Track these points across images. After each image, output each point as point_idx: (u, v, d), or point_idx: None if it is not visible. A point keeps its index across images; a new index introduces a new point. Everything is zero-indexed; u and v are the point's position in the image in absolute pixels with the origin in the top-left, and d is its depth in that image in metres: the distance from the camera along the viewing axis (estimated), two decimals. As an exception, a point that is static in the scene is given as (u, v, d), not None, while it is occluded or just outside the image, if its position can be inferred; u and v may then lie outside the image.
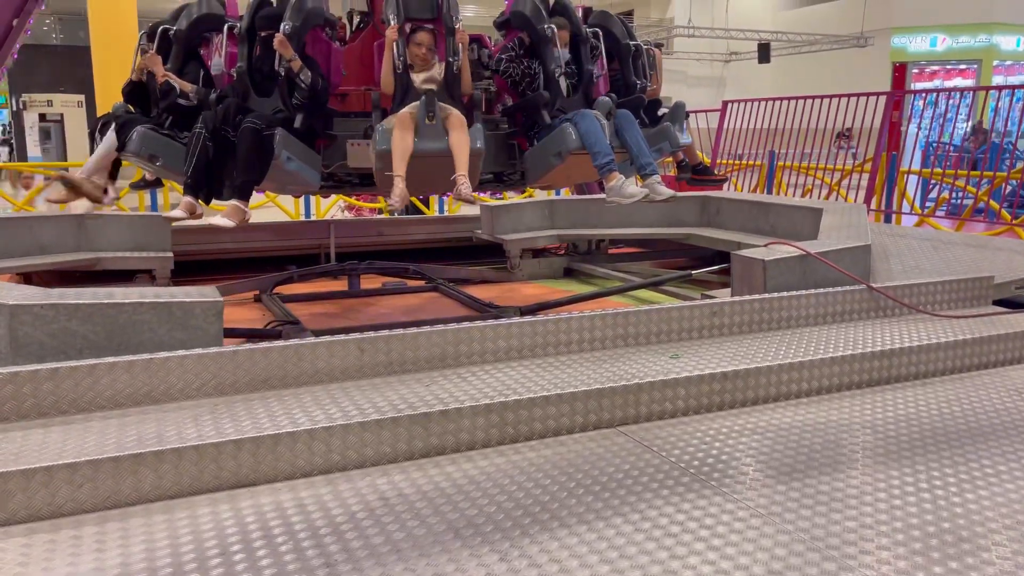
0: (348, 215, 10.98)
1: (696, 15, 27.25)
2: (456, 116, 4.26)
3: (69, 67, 28.19)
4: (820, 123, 9.91)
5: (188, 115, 4.43)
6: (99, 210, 5.70)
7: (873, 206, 9.08)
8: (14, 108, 24.35)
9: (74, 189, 4.69)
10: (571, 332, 3.17)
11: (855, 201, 9.28)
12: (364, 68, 4.96)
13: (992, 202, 8.47)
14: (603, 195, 4.68)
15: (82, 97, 24.63)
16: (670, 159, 5.58)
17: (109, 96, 24.80)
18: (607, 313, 3.24)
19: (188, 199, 4.26)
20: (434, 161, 4.20)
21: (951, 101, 9.92)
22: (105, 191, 4.93)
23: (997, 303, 4.05)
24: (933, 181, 9.67)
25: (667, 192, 4.51)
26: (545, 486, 2.25)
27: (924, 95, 11.13)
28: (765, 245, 4.26)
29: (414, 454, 2.45)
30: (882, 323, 3.63)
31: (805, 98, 10.12)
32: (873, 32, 25.31)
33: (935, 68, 25.78)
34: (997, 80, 23.75)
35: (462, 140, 4.20)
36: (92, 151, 4.94)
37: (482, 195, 6.58)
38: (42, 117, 23.77)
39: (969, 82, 24.32)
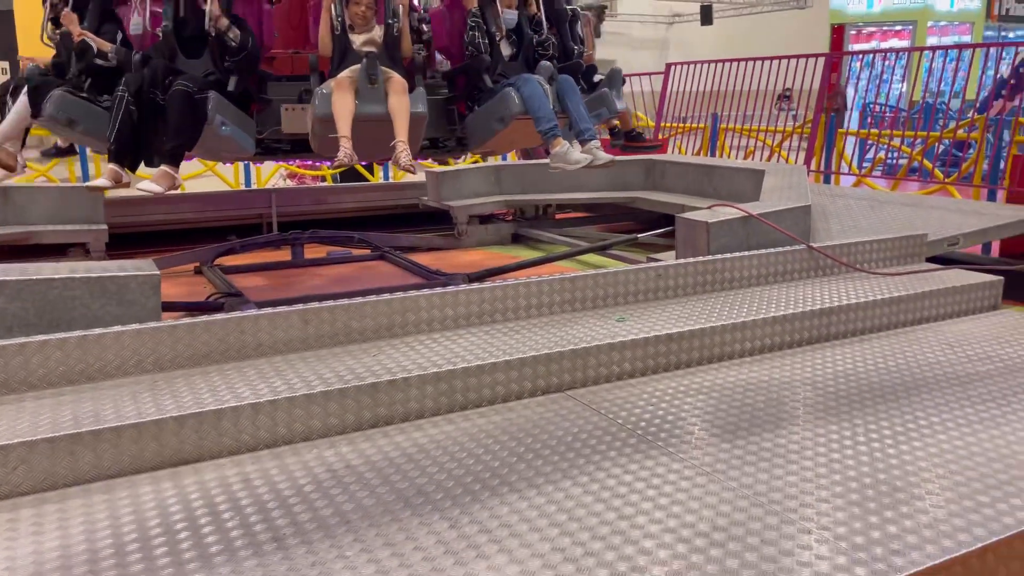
0: (290, 183, 10.74)
1: (639, -23, 27.16)
2: (397, 80, 4.17)
3: (-10, 32, 26.90)
4: (761, 85, 10.01)
5: (108, 77, 4.20)
6: (17, 181, 5.45)
7: (813, 167, 9.25)
8: (-69, 76, 23.15)
9: None
10: (519, 298, 3.16)
11: (795, 162, 9.45)
12: (296, 30, 4.82)
13: (926, 161, 8.70)
14: (548, 160, 4.66)
15: (6, 64, 23.55)
16: (604, 125, 5.57)
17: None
18: (554, 278, 3.24)
19: (112, 167, 4.04)
20: (374, 126, 4.10)
21: (887, 62, 10.11)
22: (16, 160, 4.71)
23: (930, 260, 4.17)
24: (870, 142, 9.87)
25: (607, 157, 4.50)
26: (495, 452, 2.26)
27: (861, 57, 11.32)
28: (708, 207, 4.30)
29: (362, 425, 2.43)
30: (822, 282, 3.71)
31: (747, 60, 10.21)
32: (813, -7, 25.59)
33: (872, 30, 26.21)
34: (931, 41, 24.27)
35: (402, 104, 4.11)
36: (2, 117, 4.66)
37: (424, 162, 6.49)
38: (-38, 85, 22.64)
39: (904, 43, 24.82)
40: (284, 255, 6.01)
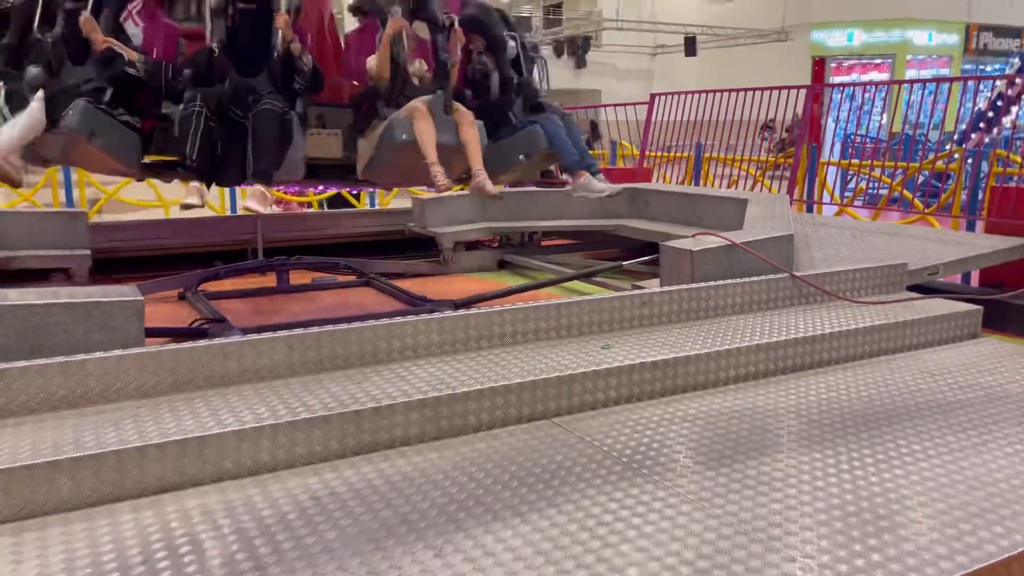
0: (276, 209, 10.73)
1: (624, 8, 27.58)
2: (465, 111, 4.36)
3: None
4: (744, 115, 10.13)
5: (131, 88, 4.03)
6: (10, 205, 5.42)
7: (795, 196, 9.35)
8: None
9: None
10: (504, 325, 3.17)
11: (778, 192, 9.55)
12: (322, 59, 4.91)
13: (906, 192, 8.82)
14: (534, 188, 4.79)
15: None
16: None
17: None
18: (539, 305, 3.25)
19: (196, 184, 3.97)
20: (418, 154, 4.24)
21: (867, 95, 10.28)
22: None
23: (911, 289, 4.22)
24: (851, 172, 10.00)
25: (617, 188, 4.89)
26: (479, 480, 2.25)
27: (842, 88, 11.51)
28: (693, 236, 4.34)
29: (346, 452, 2.41)
30: (805, 310, 3.74)
31: (730, 91, 10.34)
32: (793, 27, 26.03)
33: (852, 63, 26.67)
34: (910, 74, 24.71)
35: (474, 134, 4.32)
36: None
37: (412, 188, 6.53)
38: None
39: (884, 76, 25.25)
40: (269, 281, 5.99)
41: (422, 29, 4.64)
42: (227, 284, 5.87)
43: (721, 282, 3.68)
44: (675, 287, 3.61)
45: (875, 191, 9.91)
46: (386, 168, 4.32)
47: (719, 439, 2.54)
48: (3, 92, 3.94)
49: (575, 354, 3.01)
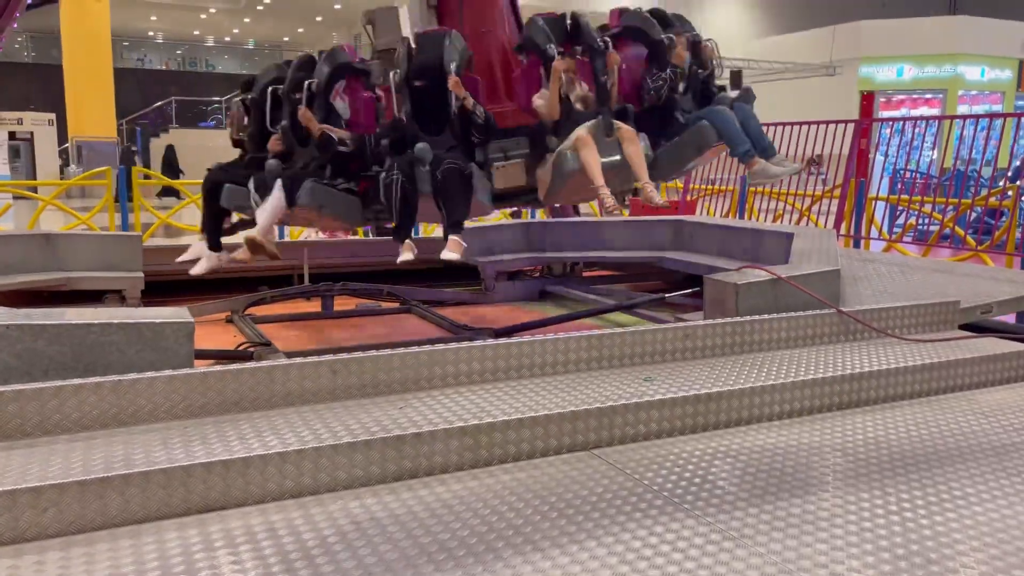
0: (322, 236, 10.90)
1: (670, 42, 27.69)
2: (627, 129, 4.53)
3: (40, 85, 27.94)
4: (791, 149, 10.06)
5: (344, 161, 4.68)
6: (61, 228, 5.65)
7: (842, 231, 9.22)
8: (-16, 126, 24.05)
9: (258, 249, 4.75)
10: (545, 354, 3.17)
11: (825, 226, 9.42)
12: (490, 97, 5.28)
13: (957, 228, 8.64)
14: (575, 218, 4.85)
15: (53, 116, 24.40)
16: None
17: (80, 114, 24.54)
18: (581, 335, 3.25)
19: (409, 242, 4.54)
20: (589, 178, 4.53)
21: (917, 130, 10.14)
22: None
23: (963, 327, 4.11)
24: (900, 207, 9.84)
25: (797, 166, 4.97)
26: (519, 510, 2.24)
27: (891, 123, 11.37)
28: (737, 269, 4.30)
29: (387, 478, 2.43)
30: (852, 346, 3.67)
31: (777, 124, 10.28)
32: (842, 61, 25.84)
33: (902, 97, 26.35)
34: (962, 109, 24.32)
35: (636, 150, 4.49)
36: (210, 211, 5.12)
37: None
38: (11, 135, 23.51)
39: (935, 111, 24.88)
40: (314, 306, 6.09)
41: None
42: (274, 308, 5.97)
43: (766, 316, 3.63)
44: (719, 320, 3.58)
45: (925, 227, 9.73)
46: (563, 193, 4.74)
47: (762, 475, 2.50)
48: (253, 183, 4.70)
49: (616, 385, 3.00)
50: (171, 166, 22.64)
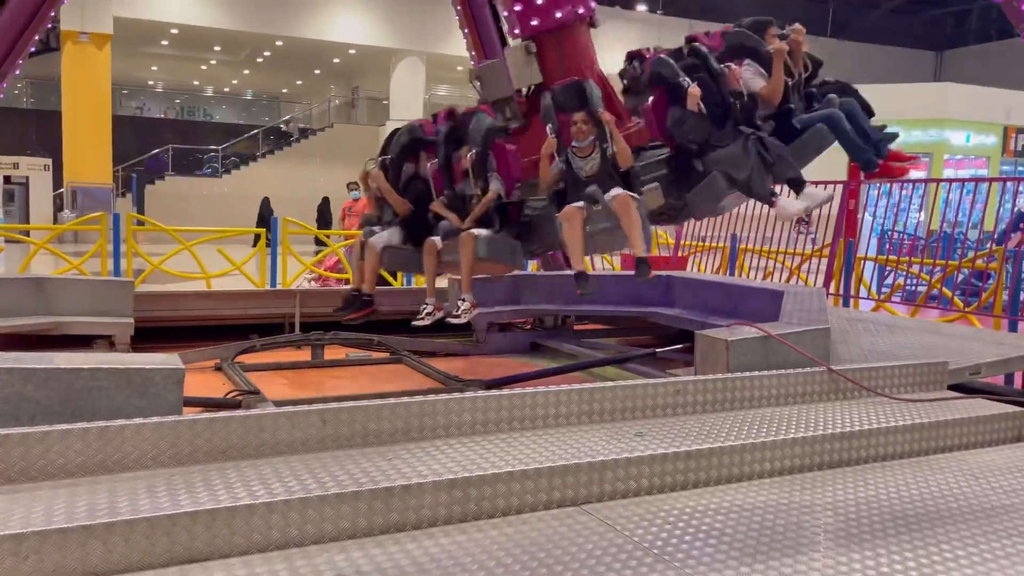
0: (314, 285, 10.93)
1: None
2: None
3: (38, 131, 28.18)
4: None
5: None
6: (59, 272, 5.64)
7: (831, 290, 9.29)
8: (-21, 169, 24.20)
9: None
10: (536, 407, 3.16)
11: (814, 285, 9.50)
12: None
13: (945, 289, 8.73)
14: (567, 271, 4.95)
15: (49, 161, 24.57)
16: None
17: (77, 160, 24.75)
18: (572, 389, 3.25)
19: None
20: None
21: (904, 191, 10.31)
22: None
23: (952, 388, 4.13)
24: (888, 268, 9.95)
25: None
26: (507, 566, 2.21)
27: (879, 185, 11.55)
28: (728, 325, 4.32)
29: (374, 530, 2.40)
30: (842, 405, 3.68)
31: (766, 184, 10.41)
32: (830, 124, 26.37)
33: (888, 159, 26.79)
34: (948, 173, 24.75)
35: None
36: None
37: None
38: (7, 179, 23.64)
39: (921, 174, 25.30)
40: (304, 355, 6.06)
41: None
42: (263, 357, 5.94)
43: (757, 373, 3.64)
44: (710, 376, 3.58)
45: (913, 287, 9.83)
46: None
47: (753, 533, 2.48)
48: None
49: (607, 440, 2.99)
50: (323, 217, 24.04)
